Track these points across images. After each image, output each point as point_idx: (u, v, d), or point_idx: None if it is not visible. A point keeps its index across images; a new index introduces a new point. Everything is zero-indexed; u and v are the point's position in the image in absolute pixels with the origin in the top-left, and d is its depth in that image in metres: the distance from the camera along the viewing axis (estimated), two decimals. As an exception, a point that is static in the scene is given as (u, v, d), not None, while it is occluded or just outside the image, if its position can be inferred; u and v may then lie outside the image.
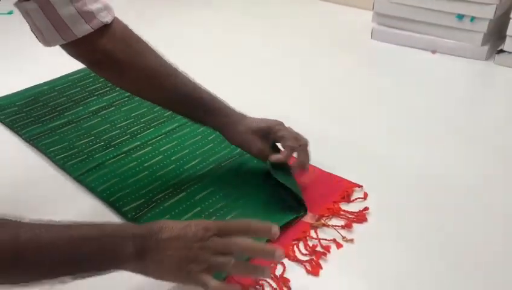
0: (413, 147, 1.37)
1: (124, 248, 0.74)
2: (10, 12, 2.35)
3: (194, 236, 0.76)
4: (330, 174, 1.20)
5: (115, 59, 1.06)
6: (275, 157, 1.08)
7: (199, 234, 0.77)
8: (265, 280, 0.90)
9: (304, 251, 0.98)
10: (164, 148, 1.23)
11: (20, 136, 1.33)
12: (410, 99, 1.63)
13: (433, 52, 1.98)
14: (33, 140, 1.28)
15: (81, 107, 1.43)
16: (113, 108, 1.42)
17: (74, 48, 1.05)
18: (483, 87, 1.85)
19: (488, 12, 1.81)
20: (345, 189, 1.14)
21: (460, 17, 1.88)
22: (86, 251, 0.71)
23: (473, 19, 1.86)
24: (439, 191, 1.18)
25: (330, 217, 1.06)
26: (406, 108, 1.57)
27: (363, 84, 1.73)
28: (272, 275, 0.91)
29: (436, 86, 1.73)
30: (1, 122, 1.41)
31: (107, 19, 1.03)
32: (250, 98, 1.57)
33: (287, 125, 1.14)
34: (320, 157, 1.19)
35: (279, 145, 1.12)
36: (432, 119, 1.51)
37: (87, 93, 1.50)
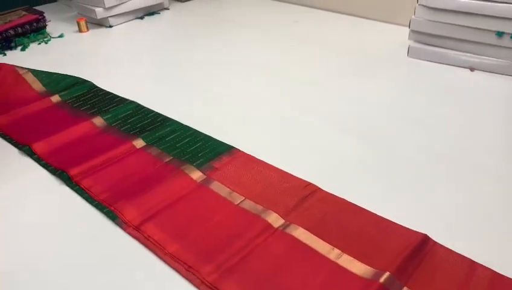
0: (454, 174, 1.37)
1: None
2: (61, 36, 2.50)
3: None
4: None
5: None
6: None
7: None
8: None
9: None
10: None
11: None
12: (449, 119, 1.62)
13: (472, 69, 1.96)
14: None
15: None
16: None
17: None
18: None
19: (529, 30, 1.79)
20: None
21: (500, 34, 1.86)
22: None
23: (513, 36, 1.84)
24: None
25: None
26: (444, 128, 1.57)
27: (400, 104, 1.74)
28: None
29: (475, 104, 1.72)
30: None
31: None
32: (287, 114, 1.64)
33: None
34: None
35: None
36: (471, 139, 1.50)
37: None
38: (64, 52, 2.32)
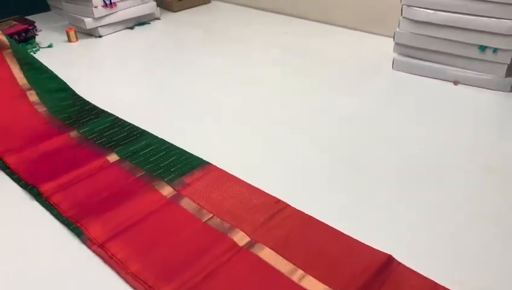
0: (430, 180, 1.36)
1: None
2: (50, 46, 2.52)
3: None
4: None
5: None
6: None
7: None
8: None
9: None
10: None
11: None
12: (426, 136, 1.60)
13: (456, 83, 1.95)
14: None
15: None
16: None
17: None
18: (508, 120, 1.80)
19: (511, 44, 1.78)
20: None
21: (483, 48, 1.85)
22: None
23: (495, 50, 1.82)
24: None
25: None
26: (420, 145, 1.55)
27: (382, 117, 1.73)
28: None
29: (455, 120, 1.70)
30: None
31: None
32: (266, 129, 1.64)
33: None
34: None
35: None
36: (445, 158, 1.48)
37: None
38: (51, 62, 2.30)
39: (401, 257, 1.09)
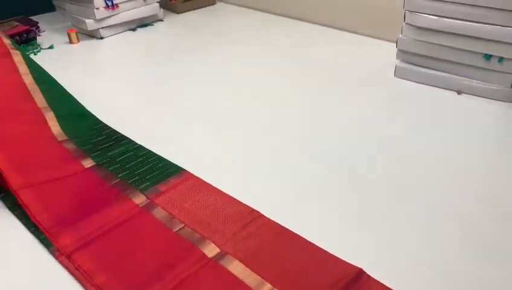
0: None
1: None
2: (51, 47, 2.51)
3: None
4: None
5: None
6: None
7: None
8: None
9: None
10: None
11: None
12: (426, 149, 1.52)
13: (459, 92, 1.87)
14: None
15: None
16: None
17: None
18: (512, 134, 1.71)
19: (518, 53, 1.69)
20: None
21: (488, 57, 1.76)
22: None
23: (501, 59, 1.73)
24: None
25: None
26: (418, 159, 1.47)
27: (381, 127, 1.65)
28: None
29: (457, 133, 1.61)
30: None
31: None
32: (251, 135, 1.58)
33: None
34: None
35: None
36: (443, 175, 1.40)
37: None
38: (50, 63, 2.31)
39: (375, 272, 1.04)
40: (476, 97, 1.83)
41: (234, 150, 1.54)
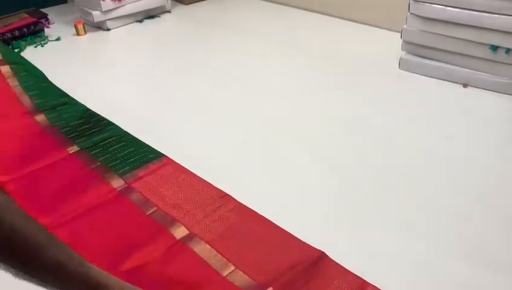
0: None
1: None
2: (58, 39, 2.54)
3: None
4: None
5: None
6: None
7: None
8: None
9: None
10: None
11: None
12: (436, 141, 1.46)
13: (465, 85, 1.79)
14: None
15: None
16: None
17: None
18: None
19: (525, 44, 1.61)
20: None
21: (494, 48, 1.68)
22: None
23: (508, 51, 1.65)
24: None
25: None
26: (427, 151, 1.42)
27: (377, 125, 1.58)
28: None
29: (462, 128, 1.54)
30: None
31: None
32: (246, 127, 1.57)
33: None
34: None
35: None
36: (459, 162, 1.35)
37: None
38: (56, 54, 2.34)
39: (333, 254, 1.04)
40: (482, 90, 1.75)
41: (227, 141, 1.53)
